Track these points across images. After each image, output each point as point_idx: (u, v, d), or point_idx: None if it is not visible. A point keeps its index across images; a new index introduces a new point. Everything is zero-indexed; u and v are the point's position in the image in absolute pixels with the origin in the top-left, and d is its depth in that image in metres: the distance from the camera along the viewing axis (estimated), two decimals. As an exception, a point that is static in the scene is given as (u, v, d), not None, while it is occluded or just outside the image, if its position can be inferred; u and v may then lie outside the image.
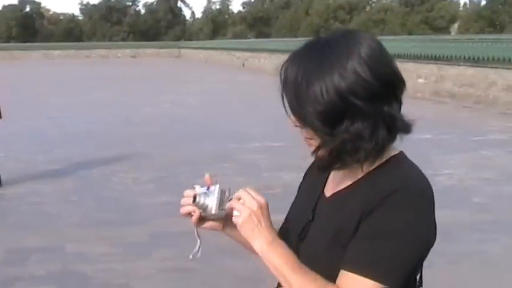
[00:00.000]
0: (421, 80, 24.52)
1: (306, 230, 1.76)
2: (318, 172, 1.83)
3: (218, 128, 15.37)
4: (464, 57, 21.20)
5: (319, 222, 1.74)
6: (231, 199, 1.74)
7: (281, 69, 1.65)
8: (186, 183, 7.47)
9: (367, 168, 1.65)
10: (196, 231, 1.87)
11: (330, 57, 1.57)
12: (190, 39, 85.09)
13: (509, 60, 18.86)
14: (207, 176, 1.83)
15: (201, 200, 1.79)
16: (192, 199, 1.79)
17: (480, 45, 21.21)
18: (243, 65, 47.34)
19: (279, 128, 15.23)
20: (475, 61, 20.61)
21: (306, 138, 1.67)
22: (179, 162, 11.10)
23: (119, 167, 10.69)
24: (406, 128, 1.64)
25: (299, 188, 2.00)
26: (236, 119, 17.27)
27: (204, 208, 1.79)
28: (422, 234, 1.58)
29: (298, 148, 8.48)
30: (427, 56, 23.67)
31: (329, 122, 1.56)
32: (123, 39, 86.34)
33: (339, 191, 1.73)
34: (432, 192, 1.63)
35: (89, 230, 7.21)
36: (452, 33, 52.18)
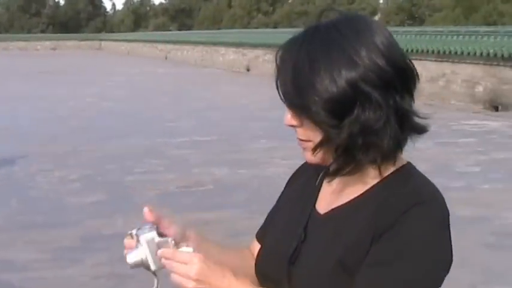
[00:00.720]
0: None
1: (298, 252, 1.50)
2: (305, 182, 1.62)
3: (144, 123, 15.02)
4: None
5: (315, 243, 1.48)
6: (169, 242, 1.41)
7: (276, 55, 1.43)
8: (115, 181, 7.15)
9: (379, 174, 1.43)
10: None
11: (339, 40, 1.36)
12: (112, 32, 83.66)
13: (433, 52, 19.15)
14: (146, 209, 1.44)
15: (131, 261, 1.41)
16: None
17: (405, 37, 21.44)
18: (166, 58, 46.90)
19: (206, 122, 15.09)
20: (400, 53, 20.80)
21: (302, 141, 1.44)
22: (107, 158, 10.70)
23: (44, 165, 10.21)
24: (419, 126, 1.41)
25: (280, 198, 1.73)
26: (162, 112, 16.91)
27: (140, 266, 1.41)
28: (445, 251, 1.38)
29: (227, 143, 8.20)
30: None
31: (337, 111, 1.34)
32: (42, 31, 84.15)
33: (339, 206, 1.48)
34: (447, 206, 1.43)
35: (14, 234, 6.78)
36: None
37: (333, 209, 1.49)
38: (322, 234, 1.47)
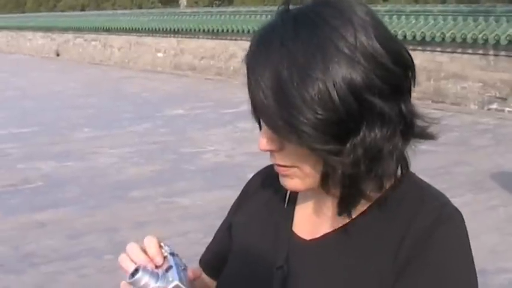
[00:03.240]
0: (160, 54, 24.45)
1: None
2: (268, 200, 1.30)
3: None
4: (204, 30, 21.39)
5: (307, 279, 1.16)
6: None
7: (246, 58, 1.08)
8: None
9: (380, 187, 1.12)
10: None
11: (329, 34, 1.02)
12: None
13: (248, 31, 19.36)
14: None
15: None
16: None
17: (219, 17, 21.54)
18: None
19: (22, 112, 14.23)
20: (215, 33, 20.90)
21: (283, 167, 1.12)
22: None
23: None
24: (425, 133, 1.12)
25: (232, 218, 1.38)
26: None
27: None
28: (476, 275, 1.11)
29: (48, 134, 7.57)
30: (166, 30, 23.59)
31: (340, 133, 1.02)
32: None
33: (333, 231, 1.17)
34: None
35: None
36: (182, 6, 52.89)
37: (325, 234, 1.17)
38: (314, 266, 1.16)
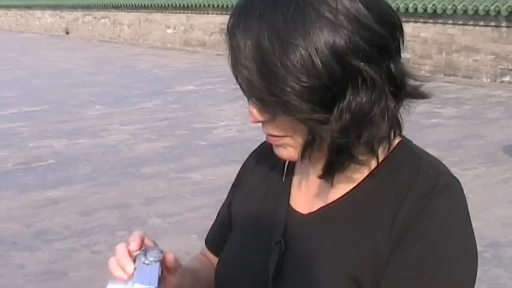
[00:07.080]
0: (170, 30, 24.40)
1: (279, 266, 1.16)
2: (266, 175, 1.29)
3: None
4: (213, 5, 21.33)
5: (306, 253, 1.14)
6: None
7: (227, 29, 1.05)
8: None
9: (375, 158, 1.10)
10: None
11: (309, 0, 0.99)
12: None
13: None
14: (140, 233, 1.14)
15: None
16: None
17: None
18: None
19: (32, 91, 14.25)
20: (224, 9, 20.81)
21: (274, 137, 1.10)
22: None
23: None
24: (417, 92, 1.09)
25: (233, 195, 1.37)
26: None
27: None
28: (475, 245, 1.08)
29: (59, 111, 7.57)
30: (175, 6, 23.51)
31: (325, 101, 0.99)
32: None
33: (329, 204, 1.15)
34: None
35: None
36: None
37: (321, 208, 1.16)
38: (312, 240, 1.15)
